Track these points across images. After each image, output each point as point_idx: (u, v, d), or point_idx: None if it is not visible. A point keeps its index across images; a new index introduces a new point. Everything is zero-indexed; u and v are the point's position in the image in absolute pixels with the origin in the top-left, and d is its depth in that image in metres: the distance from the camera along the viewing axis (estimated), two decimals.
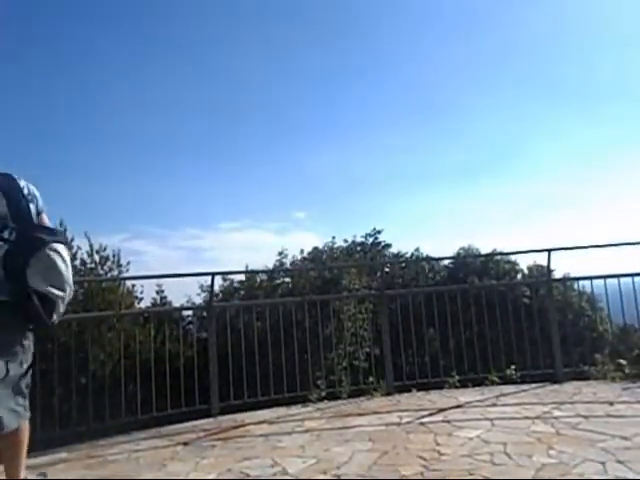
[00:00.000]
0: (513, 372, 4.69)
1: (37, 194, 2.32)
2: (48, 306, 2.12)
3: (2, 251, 2.09)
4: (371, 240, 14.86)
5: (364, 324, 8.19)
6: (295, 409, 4.13)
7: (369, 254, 14.18)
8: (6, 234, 2.12)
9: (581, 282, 5.21)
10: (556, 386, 4.33)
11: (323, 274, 10.65)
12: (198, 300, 10.17)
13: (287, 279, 11.14)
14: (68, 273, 2.20)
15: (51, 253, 2.15)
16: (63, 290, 2.16)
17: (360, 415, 3.76)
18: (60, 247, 2.20)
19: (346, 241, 14.19)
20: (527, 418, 3.34)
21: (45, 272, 2.12)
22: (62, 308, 2.19)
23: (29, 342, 2.19)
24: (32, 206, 2.25)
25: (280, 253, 11.70)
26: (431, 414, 3.63)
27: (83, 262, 9.84)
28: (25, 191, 2.25)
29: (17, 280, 2.07)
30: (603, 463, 2.45)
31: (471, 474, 2.44)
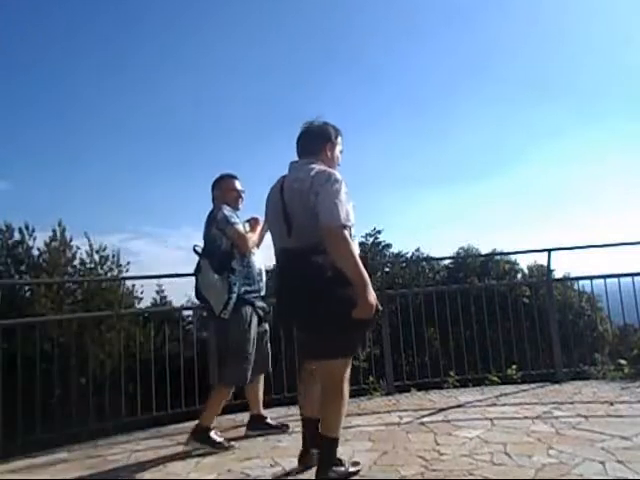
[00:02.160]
0: (513, 372, 4.70)
1: (218, 216, 3.09)
2: (208, 304, 3.03)
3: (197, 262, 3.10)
4: (371, 240, 14.86)
5: None
6: (295, 409, 4.10)
7: (369, 254, 14.18)
8: (198, 249, 3.11)
9: (581, 282, 5.20)
10: (556, 386, 4.33)
11: None
12: None
13: None
14: (207, 284, 2.99)
15: (202, 267, 3.03)
16: (209, 293, 3.00)
17: (360, 415, 3.75)
18: (203, 262, 3.02)
19: None
20: (527, 418, 3.34)
21: (201, 280, 3.04)
22: (215, 307, 2.98)
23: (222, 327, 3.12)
24: (214, 230, 3.08)
25: None
26: (431, 414, 3.63)
27: (83, 262, 9.85)
28: (212, 216, 3.13)
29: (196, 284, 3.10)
30: (603, 463, 2.44)
31: (471, 474, 2.44)
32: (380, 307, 2.25)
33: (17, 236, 9.76)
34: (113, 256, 10.00)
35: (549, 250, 4.76)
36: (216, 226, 3.06)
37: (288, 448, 3.06)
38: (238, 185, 3.29)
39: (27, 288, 8.83)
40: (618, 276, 4.74)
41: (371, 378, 4.64)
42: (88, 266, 9.81)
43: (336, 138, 2.57)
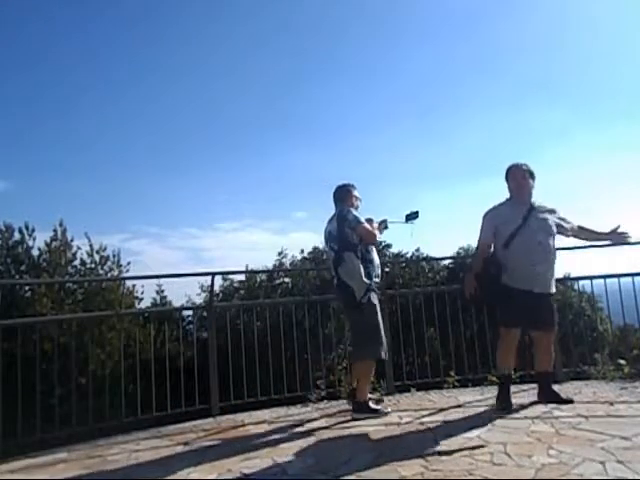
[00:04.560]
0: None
1: (348, 217, 3.64)
2: (351, 291, 3.56)
3: (333, 256, 3.66)
4: None
5: None
6: (295, 409, 4.13)
7: None
8: (335, 246, 3.66)
9: (581, 282, 5.19)
10: (556, 386, 4.32)
11: (323, 274, 10.64)
12: (198, 300, 10.18)
13: (287, 279, 11.13)
14: (351, 273, 3.54)
15: (346, 259, 3.57)
16: (353, 281, 3.54)
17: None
18: (345, 254, 3.57)
19: None
20: (527, 418, 3.34)
21: (345, 270, 3.56)
22: (358, 292, 3.54)
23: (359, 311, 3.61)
24: (346, 229, 3.61)
25: (280, 253, 11.70)
26: (431, 414, 3.62)
27: (83, 262, 9.84)
28: (342, 217, 3.67)
29: (336, 275, 3.65)
30: (603, 463, 2.44)
31: (471, 474, 2.44)
32: (466, 293, 3.58)
33: (17, 236, 9.75)
34: (113, 256, 9.97)
35: None
36: (347, 225, 3.62)
37: (288, 448, 3.07)
38: (357, 193, 3.91)
39: (27, 288, 8.82)
40: (618, 276, 4.73)
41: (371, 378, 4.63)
42: (89, 266, 9.80)
43: (527, 178, 3.63)
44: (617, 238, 3.77)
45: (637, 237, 3.89)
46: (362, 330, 3.66)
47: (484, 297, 3.58)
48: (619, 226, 3.73)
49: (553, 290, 3.60)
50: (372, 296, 3.61)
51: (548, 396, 3.69)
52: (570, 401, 3.61)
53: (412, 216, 3.93)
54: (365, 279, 3.55)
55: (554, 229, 3.61)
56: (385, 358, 3.74)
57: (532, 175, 3.66)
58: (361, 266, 3.56)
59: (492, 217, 3.65)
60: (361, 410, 3.64)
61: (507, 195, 3.70)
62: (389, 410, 3.69)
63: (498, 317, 3.63)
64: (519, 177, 3.63)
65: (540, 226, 3.56)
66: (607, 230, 3.78)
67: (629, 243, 3.86)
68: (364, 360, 3.70)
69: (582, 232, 3.82)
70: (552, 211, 3.70)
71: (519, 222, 3.52)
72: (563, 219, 3.72)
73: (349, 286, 3.58)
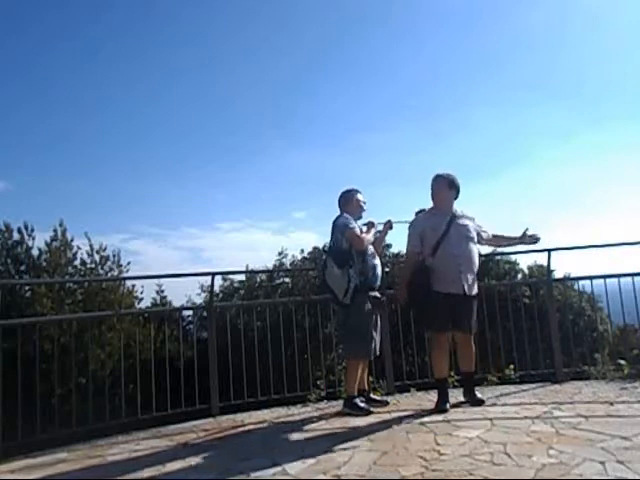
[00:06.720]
0: (511, 372, 4.69)
1: (338, 223, 3.80)
2: (332, 291, 3.74)
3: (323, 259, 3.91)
4: None
5: None
6: (295, 409, 4.13)
7: None
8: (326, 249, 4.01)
9: (581, 282, 5.19)
10: (556, 386, 4.32)
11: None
12: (198, 300, 10.18)
13: (287, 279, 11.12)
14: (331, 276, 3.73)
15: (327, 264, 3.78)
16: (334, 284, 3.71)
17: (360, 415, 3.75)
18: (328, 259, 3.79)
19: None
20: (527, 418, 3.34)
21: (328, 273, 3.77)
22: (338, 294, 3.69)
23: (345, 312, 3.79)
24: (337, 234, 3.79)
25: (280, 253, 11.69)
26: (431, 414, 3.62)
27: (83, 262, 9.84)
28: (334, 223, 3.85)
29: (323, 276, 3.87)
30: (603, 463, 2.44)
31: (471, 474, 2.44)
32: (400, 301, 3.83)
33: (16, 236, 9.75)
34: (113, 256, 9.98)
35: (549, 250, 4.75)
36: (338, 231, 3.78)
37: (288, 448, 3.07)
38: (361, 197, 3.98)
39: (27, 288, 8.82)
40: (618, 276, 4.73)
41: (371, 378, 4.63)
42: (89, 266, 9.80)
43: (449, 188, 3.85)
44: (528, 240, 3.98)
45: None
46: (346, 329, 3.83)
47: (414, 304, 3.86)
48: (527, 229, 3.96)
49: (476, 292, 3.81)
50: (358, 297, 3.69)
51: (470, 397, 3.84)
52: (481, 402, 3.78)
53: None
54: (343, 282, 3.67)
55: (474, 235, 3.84)
56: (370, 358, 3.85)
57: (453, 185, 3.84)
58: (338, 270, 3.68)
59: (417, 226, 3.86)
60: (347, 405, 3.77)
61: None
62: (372, 409, 3.75)
63: (426, 324, 3.89)
64: (442, 187, 3.82)
65: (462, 232, 3.76)
66: (519, 235, 3.99)
67: (536, 246, 4.14)
68: (348, 359, 3.86)
69: (496, 240, 4.06)
70: (472, 219, 3.90)
71: (444, 229, 3.72)
72: (480, 227, 3.94)
73: (330, 287, 3.76)
